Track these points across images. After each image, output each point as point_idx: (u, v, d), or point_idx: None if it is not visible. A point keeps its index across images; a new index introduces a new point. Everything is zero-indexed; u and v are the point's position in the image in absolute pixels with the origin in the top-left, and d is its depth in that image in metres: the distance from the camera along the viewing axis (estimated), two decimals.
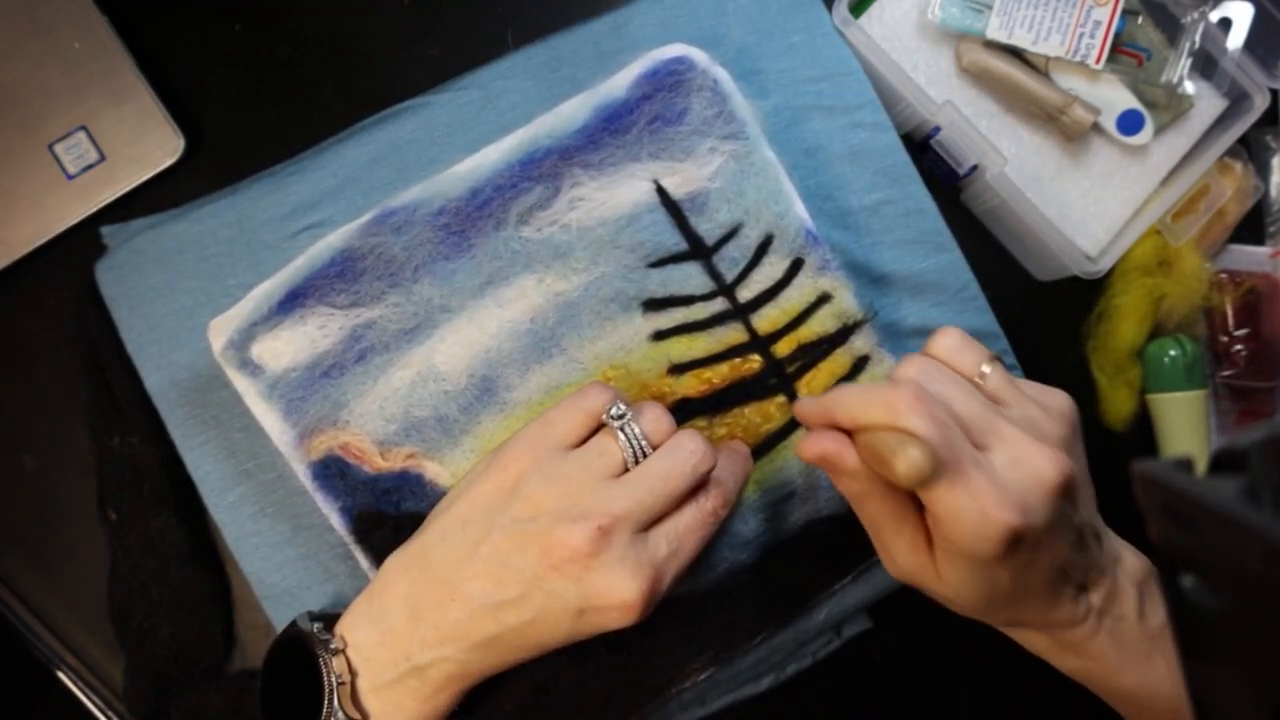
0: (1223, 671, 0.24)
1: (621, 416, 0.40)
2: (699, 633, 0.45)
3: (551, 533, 0.38)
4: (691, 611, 0.45)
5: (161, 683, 0.48)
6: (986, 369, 0.38)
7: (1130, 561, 0.40)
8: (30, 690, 0.51)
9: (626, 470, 0.40)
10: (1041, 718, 0.56)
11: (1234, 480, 0.24)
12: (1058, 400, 0.39)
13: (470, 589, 0.39)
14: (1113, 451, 0.55)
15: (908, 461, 0.32)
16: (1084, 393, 0.56)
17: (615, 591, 0.37)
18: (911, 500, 0.37)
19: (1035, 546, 0.35)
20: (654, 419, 0.41)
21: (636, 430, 0.40)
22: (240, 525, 0.47)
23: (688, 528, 0.40)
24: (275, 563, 0.47)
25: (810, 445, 0.36)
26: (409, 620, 0.40)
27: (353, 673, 0.40)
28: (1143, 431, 0.56)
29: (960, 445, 0.34)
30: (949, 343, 0.39)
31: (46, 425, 0.52)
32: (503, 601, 0.38)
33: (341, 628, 0.41)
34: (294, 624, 0.41)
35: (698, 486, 0.41)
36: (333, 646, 0.40)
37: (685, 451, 0.40)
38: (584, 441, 0.41)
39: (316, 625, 0.41)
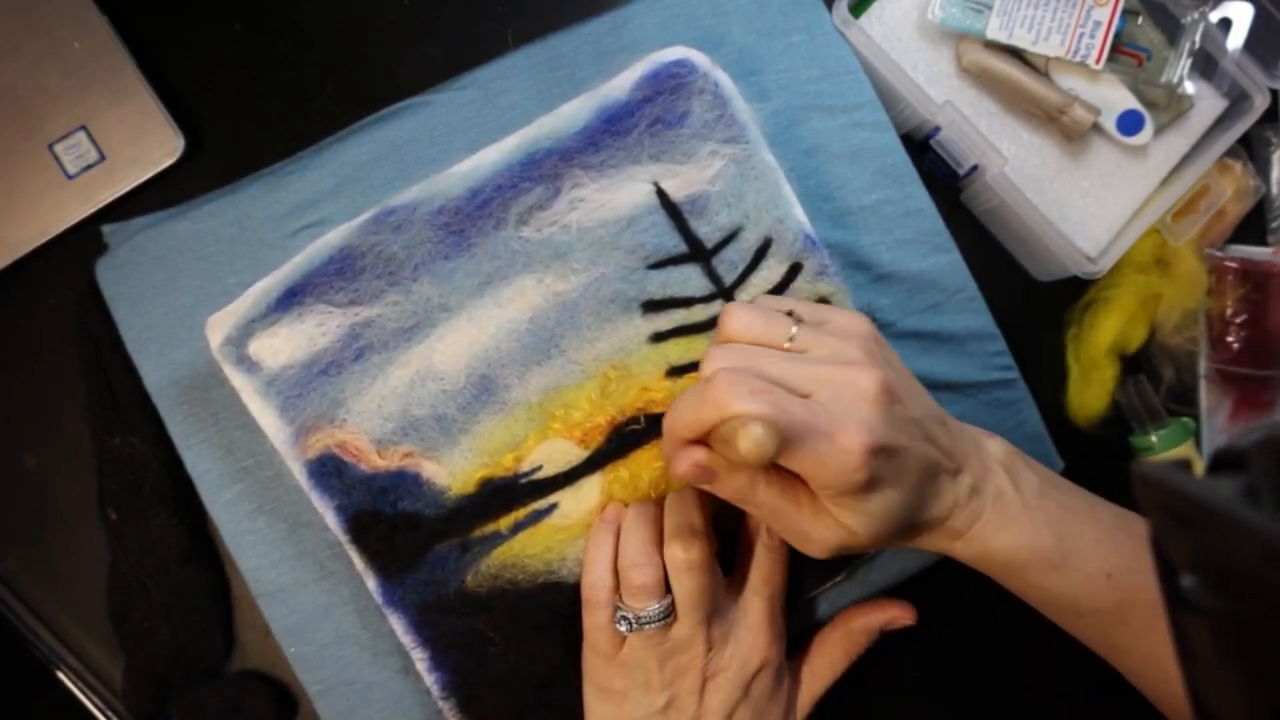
0: (1223, 672, 0.24)
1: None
2: None
3: None
4: None
5: (161, 683, 0.48)
6: (794, 330, 0.39)
7: (991, 445, 0.42)
8: (30, 690, 0.51)
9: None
10: (1042, 714, 0.56)
11: (1233, 480, 0.24)
12: (856, 324, 0.40)
13: None
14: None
15: (749, 440, 0.33)
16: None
17: None
18: (789, 474, 0.38)
19: (893, 453, 0.36)
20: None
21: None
22: (237, 523, 0.47)
23: None
24: (272, 560, 0.47)
25: (678, 464, 0.37)
26: None
27: None
28: (1109, 426, 0.56)
29: (787, 402, 0.35)
30: (741, 320, 0.39)
31: (46, 425, 0.52)
32: None
33: None
34: None
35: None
36: None
37: None
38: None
39: None
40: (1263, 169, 0.58)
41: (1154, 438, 0.54)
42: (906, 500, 0.37)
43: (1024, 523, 0.40)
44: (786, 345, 0.39)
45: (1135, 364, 0.57)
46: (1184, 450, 0.55)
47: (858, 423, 0.35)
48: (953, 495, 0.39)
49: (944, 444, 0.39)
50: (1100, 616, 0.41)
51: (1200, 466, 0.55)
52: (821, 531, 0.38)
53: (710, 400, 0.35)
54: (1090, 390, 0.55)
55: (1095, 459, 0.54)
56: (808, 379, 0.37)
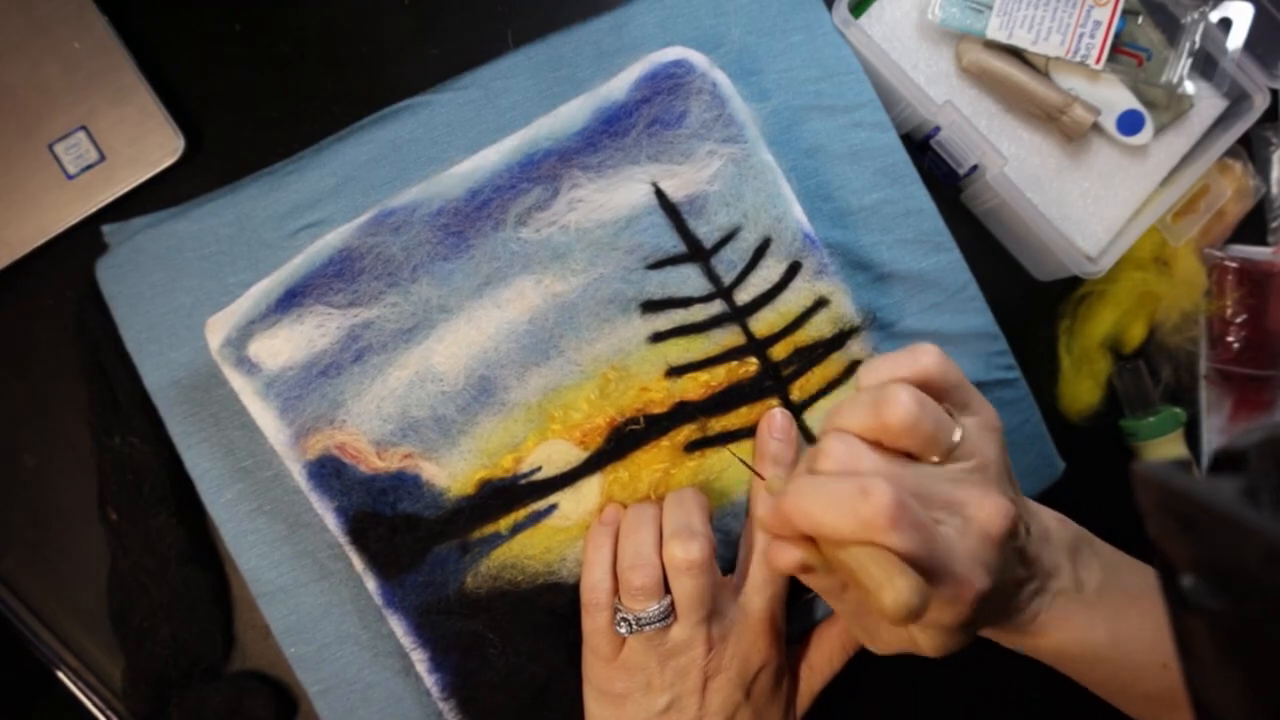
0: (1223, 672, 0.24)
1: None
2: None
3: None
4: None
5: (161, 683, 0.48)
6: (957, 439, 0.36)
7: (1058, 532, 0.40)
8: (30, 690, 0.51)
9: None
10: (1042, 713, 0.56)
11: (1233, 480, 0.24)
12: (993, 413, 0.38)
13: None
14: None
15: (898, 600, 0.30)
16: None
17: None
18: None
19: (997, 589, 0.35)
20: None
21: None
22: (237, 522, 0.47)
23: None
24: (271, 560, 0.47)
25: (781, 558, 0.34)
26: None
27: None
28: (1099, 419, 0.56)
29: (933, 538, 0.32)
30: (911, 415, 0.34)
31: (46, 425, 0.52)
32: None
33: None
34: None
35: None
36: None
37: None
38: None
39: None
40: (1263, 169, 0.58)
41: (1143, 424, 0.55)
42: (980, 623, 0.37)
43: (1077, 620, 0.39)
44: (935, 459, 0.36)
45: (1133, 360, 0.57)
46: (1173, 439, 0.55)
47: (981, 570, 0.34)
48: (1016, 601, 0.38)
49: (1029, 554, 0.38)
50: (1153, 701, 0.41)
51: (1186, 454, 0.56)
52: (891, 637, 0.38)
53: (864, 519, 0.31)
54: (1081, 383, 0.55)
55: (1094, 458, 0.54)
56: (946, 504, 0.34)
